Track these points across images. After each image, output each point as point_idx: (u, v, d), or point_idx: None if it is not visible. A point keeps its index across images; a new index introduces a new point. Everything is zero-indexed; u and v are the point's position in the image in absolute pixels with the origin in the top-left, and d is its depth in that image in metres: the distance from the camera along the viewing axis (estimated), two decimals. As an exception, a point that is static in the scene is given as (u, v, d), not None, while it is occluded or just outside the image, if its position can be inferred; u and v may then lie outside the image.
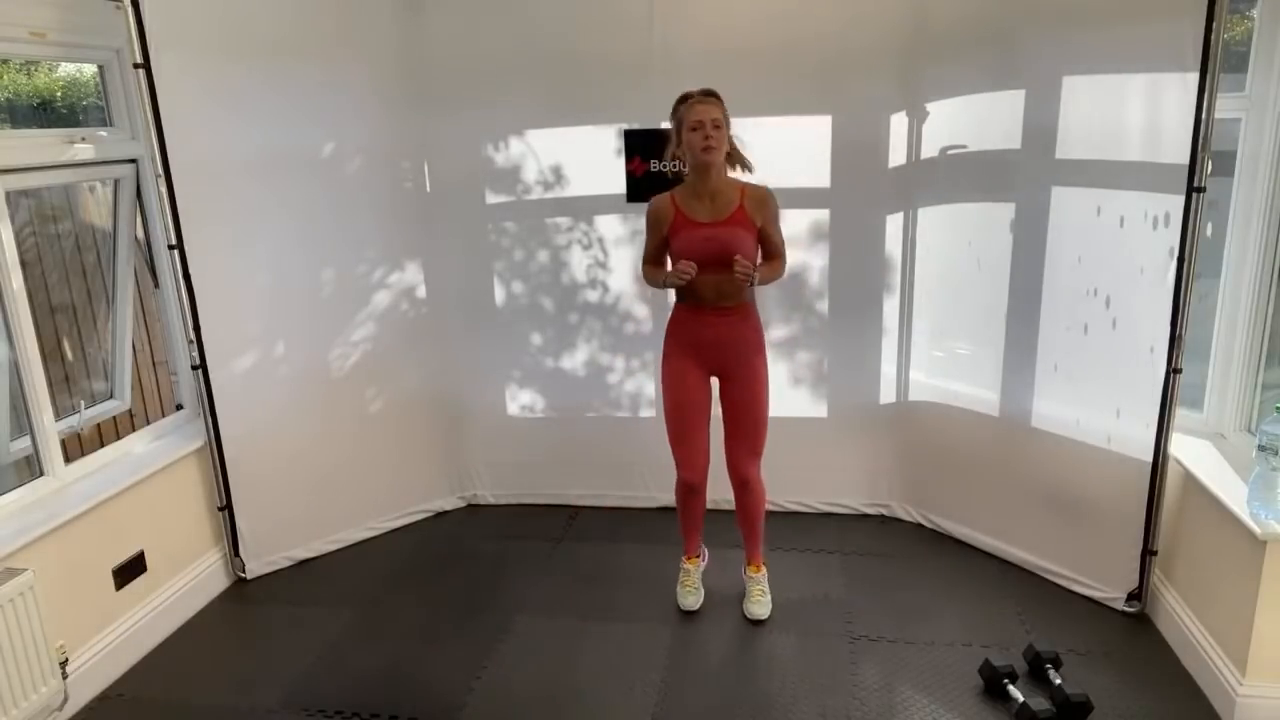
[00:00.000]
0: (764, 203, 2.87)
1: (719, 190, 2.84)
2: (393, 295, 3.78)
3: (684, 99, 2.83)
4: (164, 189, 3.04)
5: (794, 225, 3.63)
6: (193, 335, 3.19)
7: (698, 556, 3.27)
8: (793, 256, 3.65)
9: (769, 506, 3.92)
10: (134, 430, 3.35)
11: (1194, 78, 2.61)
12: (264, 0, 3.24)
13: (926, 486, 3.78)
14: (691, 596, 3.20)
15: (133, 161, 3.22)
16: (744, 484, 3.04)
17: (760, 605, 3.10)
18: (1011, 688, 2.66)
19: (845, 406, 3.83)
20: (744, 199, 2.85)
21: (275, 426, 3.47)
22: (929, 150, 3.46)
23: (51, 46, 2.91)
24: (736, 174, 2.90)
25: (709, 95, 2.80)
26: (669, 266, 2.92)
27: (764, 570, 3.18)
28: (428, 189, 3.79)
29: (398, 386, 3.85)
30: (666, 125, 3.55)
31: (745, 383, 2.97)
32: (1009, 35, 3.14)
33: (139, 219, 3.35)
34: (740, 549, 3.25)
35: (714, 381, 3.02)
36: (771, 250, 2.95)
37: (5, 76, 3.49)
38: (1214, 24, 2.55)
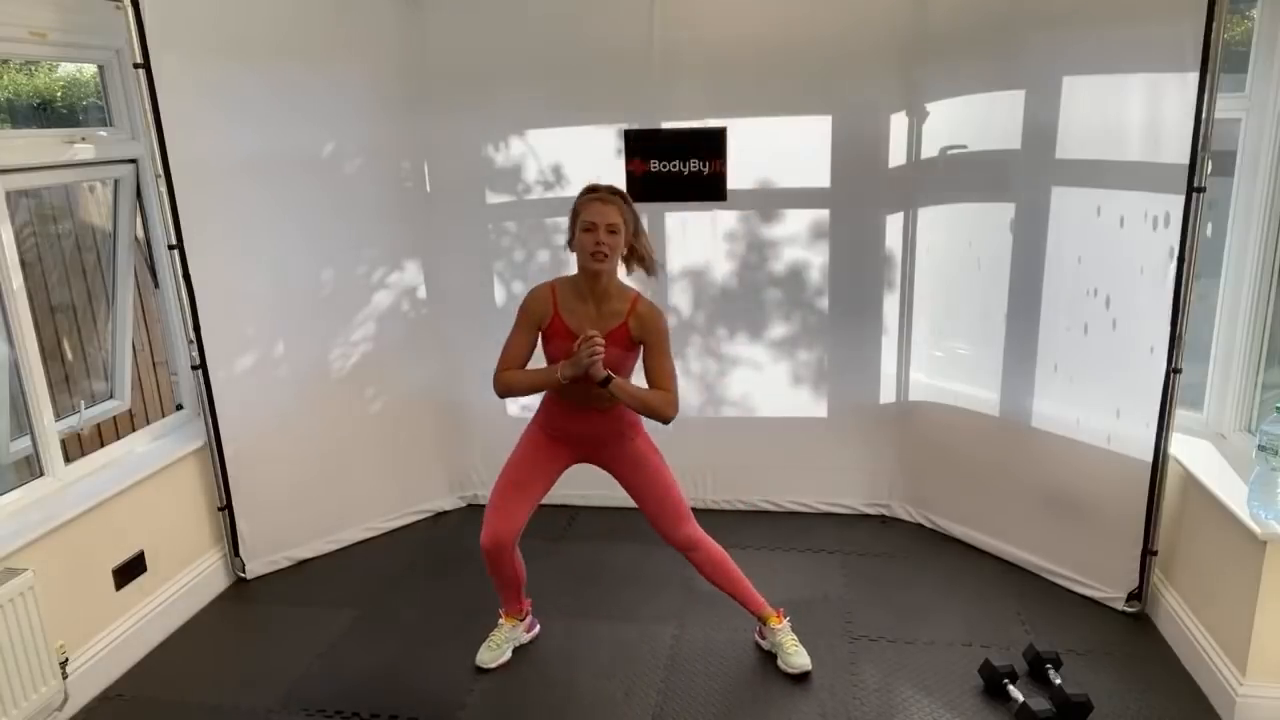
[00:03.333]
0: (651, 325, 2.58)
1: (606, 297, 2.58)
2: (393, 295, 3.78)
3: (586, 191, 2.59)
4: (164, 189, 3.03)
5: (794, 225, 3.66)
6: (193, 335, 3.19)
7: (516, 617, 2.97)
8: (793, 255, 3.68)
9: (768, 506, 3.96)
10: (134, 430, 3.35)
11: (1194, 78, 2.61)
12: (264, 0, 3.24)
13: (926, 486, 3.78)
14: (489, 653, 2.90)
15: (133, 161, 3.21)
16: (691, 547, 2.79)
17: (799, 654, 2.82)
18: (1011, 688, 2.66)
19: (845, 406, 3.83)
20: (630, 315, 2.58)
21: (275, 426, 3.47)
22: (929, 150, 3.46)
23: (51, 46, 2.91)
24: (631, 280, 2.67)
25: (613, 194, 2.55)
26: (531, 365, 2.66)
27: (784, 620, 2.89)
28: (428, 189, 3.79)
29: (398, 386, 3.85)
30: (667, 125, 3.59)
31: (630, 470, 2.75)
32: (1009, 35, 3.14)
33: (139, 219, 3.35)
34: (739, 548, 3.23)
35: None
36: (654, 378, 2.62)
37: (5, 76, 3.49)
38: (1214, 24, 2.55)
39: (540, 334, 2.64)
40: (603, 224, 2.50)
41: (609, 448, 2.76)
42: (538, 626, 3.09)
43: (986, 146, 3.31)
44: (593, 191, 2.57)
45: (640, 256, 2.65)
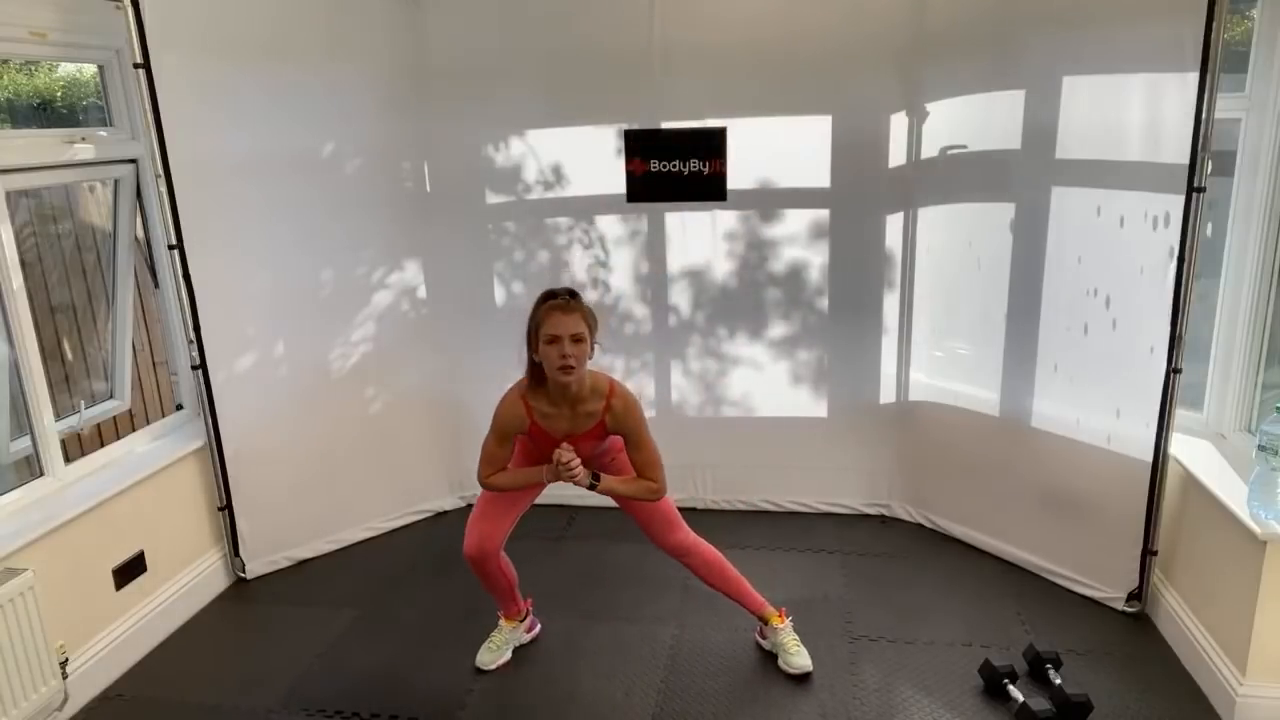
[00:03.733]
0: (625, 420, 2.57)
1: (579, 400, 2.56)
2: (393, 295, 3.78)
3: (544, 300, 2.50)
4: (164, 189, 3.03)
5: (794, 225, 3.66)
6: (193, 335, 3.19)
7: (515, 618, 2.97)
8: (793, 255, 3.68)
9: (768, 506, 3.96)
10: (134, 430, 3.35)
11: (1194, 78, 2.61)
12: (264, 0, 3.24)
13: (926, 486, 3.78)
14: (488, 654, 2.91)
15: (133, 161, 3.21)
16: (686, 552, 2.80)
17: (800, 655, 2.82)
18: (1011, 688, 2.66)
19: (845, 406, 3.83)
20: (606, 413, 2.56)
21: (275, 426, 3.47)
22: (929, 150, 3.46)
23: (51, 46, 2.91)
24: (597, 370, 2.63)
25: (571, 301, 2.48)
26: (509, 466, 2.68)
27: (787, 620, 2.89)
28: (428, 189, 3.79)
29: (398, 386, 3.85)
30: (667, 125, 3.59)
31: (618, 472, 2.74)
32: (1009, 35, 3.14)
33: (139, 219, 3.35)
34: (739, 548, 3.23)
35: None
36: (638, 469, 2.63)
37: (5, 76, 3.49)
38: (1214, 24, 2.55)
39: (518, 438, 2.66)
40: (567, 335, 2.43)
41: (595, 463, 2.74)
42: (539, 626, 3.08)
43: (986, 146, 3.31)
44: (551, 298, 2.49)
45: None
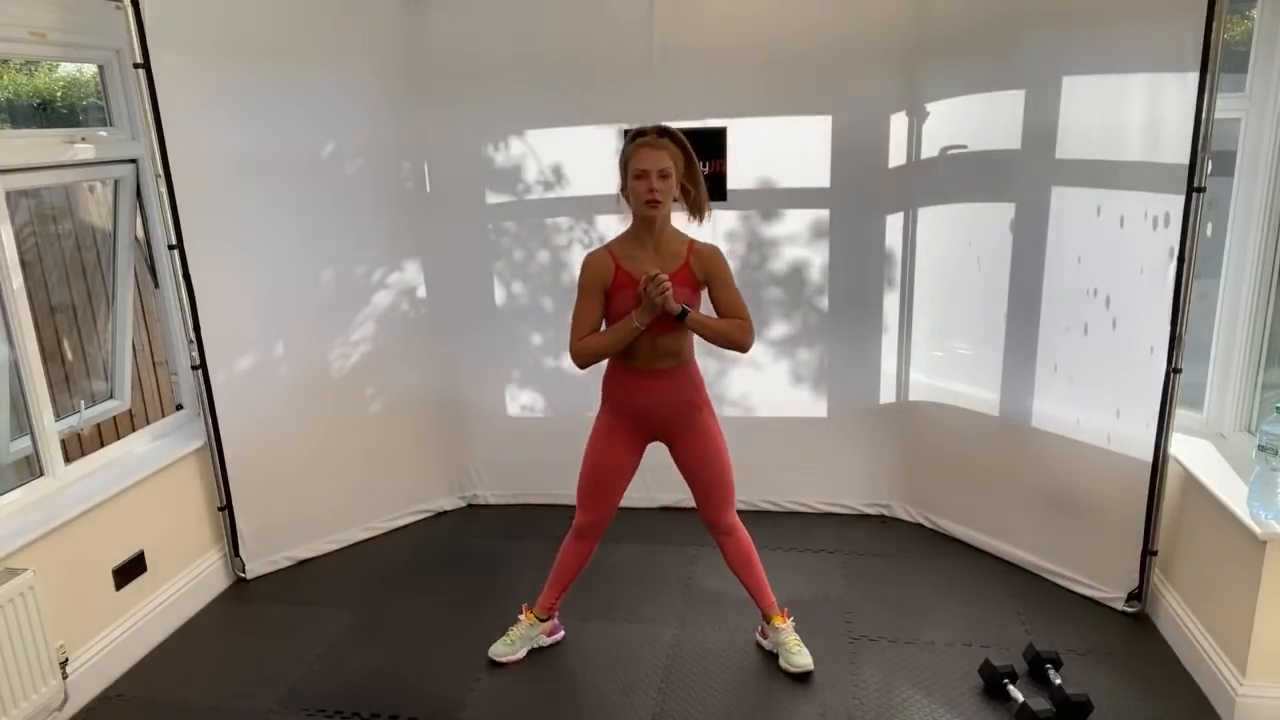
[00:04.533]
0: (712, 260, 2.60)
1: (663, 241, 2.59)
2: (393, 295, 3.78)
3: (634, 137, 2.54)
4: (164, 189, 3.03)
5: (794, 225, 3.66)
6: (193, 335, 3.19)
7: (539, 614, 2.95)
8: (793, 254, 3.68)
9: (768, 507, 3.96)
10: (134, 430, 3.35)
11: (1194, 78, 2.61)
12: (264, 0, 3.24)
13: (926, 486, 3.78)
14: (503, 647, 2.92)
15: (133, 161, 3.21)
16: (727, 531, 2.79)
17: (802, 654, 2.81)
18: (1011, 688, 2.66)
19: (845, 406, 3.83)
20: (690, 254, 2.59)
21: (275, 426, 3.47)
22: (929, 150, 3.46)
23: (51, 46, 2.91)
24: (688, 226, 2.66)
25: (661, 137, 2.52)
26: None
27: (789, 620, 2.89)
28: (428, 189, 3.79)
29: (398, 386, 3.85)
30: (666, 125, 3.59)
31: (696, 444, 2.72)
32: (1009, 35, 3.14)
33: (139, 219, 3.35)
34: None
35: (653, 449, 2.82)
36: (725, 310, 2.63)
37: (5, 76, 3.49)
38: (1214, 24, 2.55)
39: (605, 295, 2.60)
40: (654, 169, 2.48)
41: (680, 418, 2.71)
42: (561, 633, 3.06)
43: (986, 146, 3.31)
44: (641, 135, 2.53)
45: (691, 200, 2.60)
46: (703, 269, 2.60)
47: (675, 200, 2.58)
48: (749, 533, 2.84)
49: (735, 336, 2.62)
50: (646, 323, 2.52)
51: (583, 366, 2.66)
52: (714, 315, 2.65)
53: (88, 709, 2.78)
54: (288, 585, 3.49)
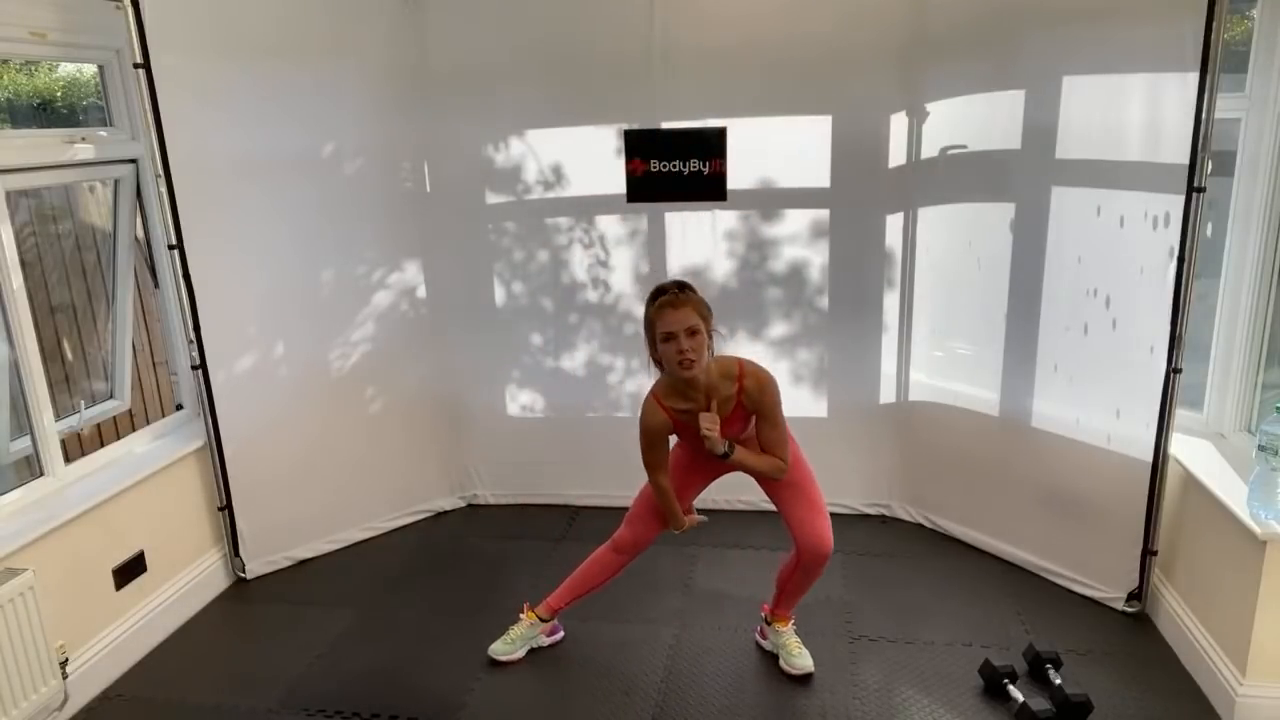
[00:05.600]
0: (763, 393, 2.55)
1: (712, 388, 2.54)
2: (393, 295, 3.78)
3: (654, 297, 2.50)
4: (164, 189, 3.03)
5: (794, 225, 3.66)
6: (193, 335, 3.19)
7: (541, 614, 2.95)
8: (793, 255, 3.68)
9: (769, 506, 3.92)
10: (134, 430, 3.35)
11: (1194, 78, 2.61)
12: (264, 1, 3.24)
13: (926, 486, 3.78)
14: (503, 646, 2.93)
15: (133, 161, 3.21)
16: (825, 557, 2.68)
17: (803, 656, 2.82)
18: (1011, 688, 2.66)
19: (845, 406, 3.83)
20: (741, 392, 2.55)
21: (275, 426, 3.47)
22: (929, 150, 3.46)
23: (51, 46, 2.91)
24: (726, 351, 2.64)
25: (680, 295, 2.46)
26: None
27: (790, 623, 2.89)
28: (428, 189, 3.79)
29: (398, 386, 3.84)
30: (667, 125, 3.59)
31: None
32: (1009, 35, 3.14)
33: (139, 219, 3.35)
34: (739, 548, 3.23)
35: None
36: (768, 446, 2.61)
37: (5, 76, 3.49)
38: (1214, 24, 2.55)
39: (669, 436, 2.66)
40: (681, 330, 2.43)
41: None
42: (560, 633, 3.06)
43: (986, 146, 3.31)
44: (661, 294, 2.48)
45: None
46: (752, 404, 2.58)
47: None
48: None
49: (769, 475, 2.66)
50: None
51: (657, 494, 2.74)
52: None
53: (88, 709, 2.78)
54: (288, 585, 3.49)
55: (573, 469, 4.05)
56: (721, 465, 2.72)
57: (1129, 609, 3.09)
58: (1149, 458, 2.92)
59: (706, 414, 2.52)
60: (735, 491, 3.95)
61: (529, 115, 3.68)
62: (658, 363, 2.56)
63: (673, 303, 2.45)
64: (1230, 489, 2.62)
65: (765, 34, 3.44)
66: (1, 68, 3.45)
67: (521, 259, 3.86)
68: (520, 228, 3.83)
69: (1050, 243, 3.17)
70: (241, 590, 3.47)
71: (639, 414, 2.63)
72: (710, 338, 2.50)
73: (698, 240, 3.71)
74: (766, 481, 2.75)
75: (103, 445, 3.19)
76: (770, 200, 3.64)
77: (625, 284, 3.82)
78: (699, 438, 2.55)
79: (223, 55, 3.16)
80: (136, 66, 2.92)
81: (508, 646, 2.93)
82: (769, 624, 2.90)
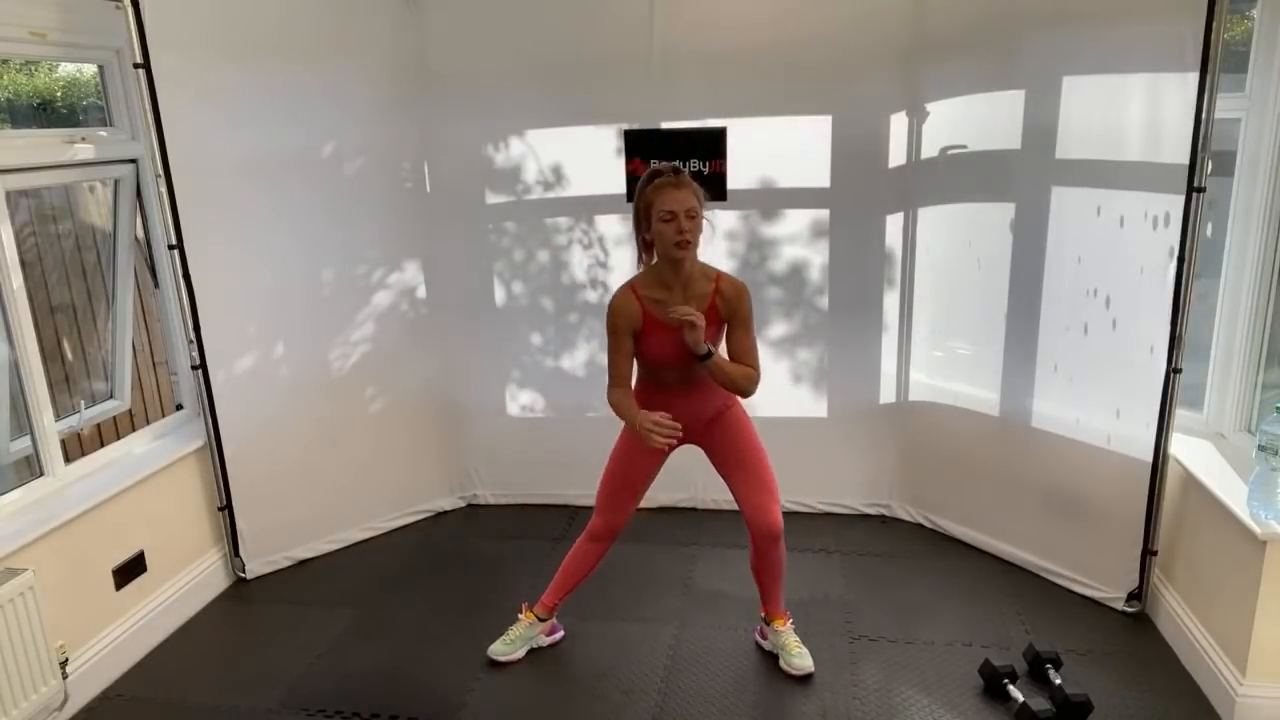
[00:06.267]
0: (736, 302, 2.56)
1: (691, 280, 2.55)
2: (393, 295, 3.78)
3: (651, 178, 2.50)
4: (164, 189, 3.03)
5: (794, 224, 3.66)
6: (193, 335, 3.19)
7: (539, 613, 2.95)
8: (793, 254, 3.68)
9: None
10: (134, 430, 3.35)
11: (1194, 78, 2.61)
12: (264, 0, 3.24)
13: (926, 486, 3.78)
14: (502, 646, 2.92)
15: (133, 161, 3.21)
16: (778, 537, 2.71)
17: (802, 656, 2.82)
18: (1011, 688, 2.66)
19: (845, 406, 3.83)
20: (717, 295, 2.56)
21: (275, 426, 3.47)
22: (929, 150, 3.46)
23: (51, 46, 2.91)
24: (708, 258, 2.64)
25: (679, 176, 2.48)
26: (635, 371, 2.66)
27: (789, 622, 2.90)
28: (428, 189, 3.79)
29: (398, 386, 3.84)
30: (667, 125, 3.59)
31: (729, 434, 2.72)
32: (1009, 35, 3.14)
33: (139, 219, 3.35)
34: (739, 548, 3.22)
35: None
36: (738, 354, 2.61)
37: (5, 76, 3.49)
38: (1214, 24, 2.55)
39: (635, 337, 2.60)
40: (682, 210, 2.44)
41: (708, 418, 2.72)
42: (560, 633, 3.06)
43: (986, 146, 3.31)
44: (659, 176, 2.49)
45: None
46: (727, 308, 2.58)
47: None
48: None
49: (743, 384, 2.61)
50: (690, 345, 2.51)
51: (616, 411, 2.67)
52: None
53: (88, 709, 2.78)
54: (288, 585, 3.49)
55: (573, 469, 4.03)
56: (684, 436, 2.67)
57: (1129, 609, 3.09)
58: (1149, 458, 2.92)
59: (684, 306, 2.46)
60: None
61: (529, 115, 3.68)
62: (647, 245, 2.56)
63: (675, 183, 2.47)
64: (1230, 489, 2.62)
65: (765, 34, 3.44)
66: (1, 68, 3.45)
67: (521, 259, 3.86)
68: (520, 228, 3.83)
69: (1050, 243, 3.17)
70: (241, 590, 3.47)
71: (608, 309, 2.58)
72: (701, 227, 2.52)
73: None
74: (722, 462, 2.76)
75: (103, 445, 3.19)
76: (770, 200, 3.64)
77: (625, 284, 3.81)
78: (666, 345, 2.52)
79: (223, 55, 3.16)
80: (136, 66, 2.92)
81: (507, 647, 2.93)
82: (768, 623, 2.90)
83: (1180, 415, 2.91)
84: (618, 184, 3.66)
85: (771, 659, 2.90)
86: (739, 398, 2.73)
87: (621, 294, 2.61)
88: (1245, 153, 2.82)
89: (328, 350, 3.62)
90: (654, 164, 2.55)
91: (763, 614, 2.94)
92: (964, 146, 3.38)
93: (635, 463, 2.76)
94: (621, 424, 2.70)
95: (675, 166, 2.54)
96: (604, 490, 2.82)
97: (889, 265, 3.64)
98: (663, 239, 2.49)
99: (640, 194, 2.53)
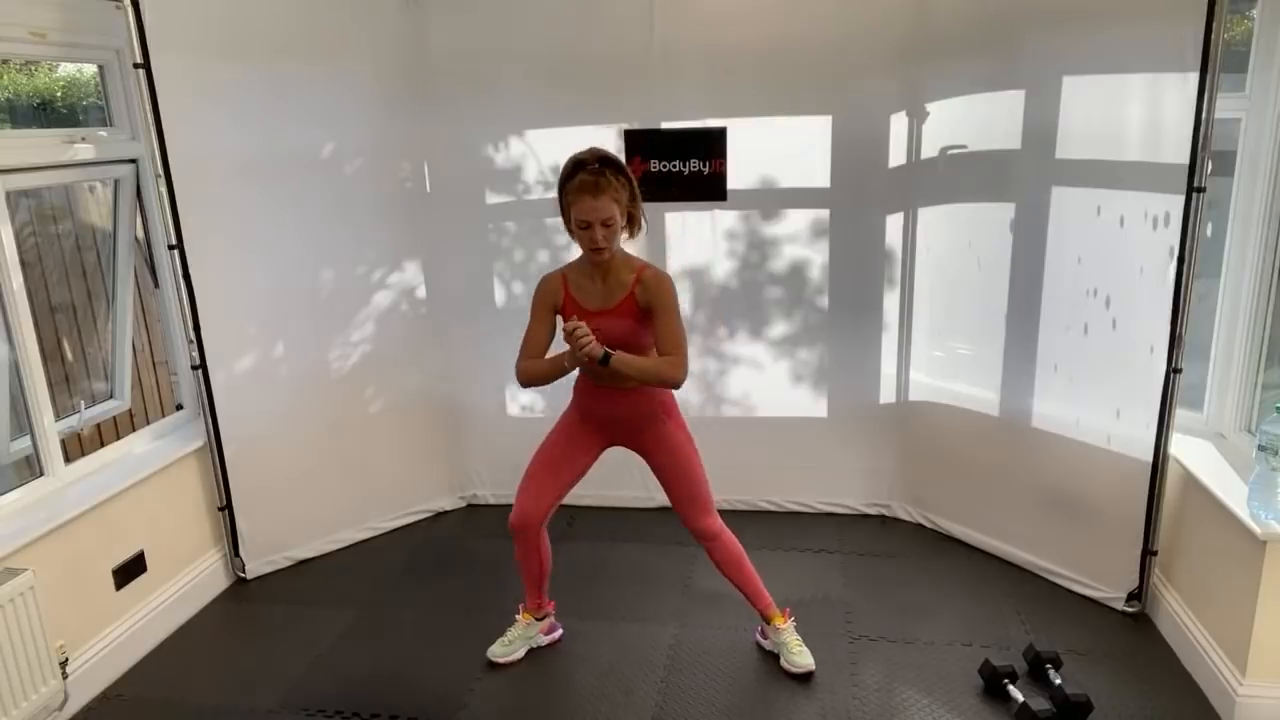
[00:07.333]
0: (656, 290, 2.51)
1: (611, 273, 2.56)
2: (393, 295, 3.78)
3: (572, 171, 2.44)
4: (164, 189, 3.03)
5: (795, 224, 3.66)
6: (193, 335, 3.19)
7: (533, 613, 2.96)
8: (794, 254, 3.68)
9: (768, 506, 3.96)
10: (134, 430, 3.35)
11: (1194, 78, 2.61)
12: (264, 0, 3.24)
13: (926, 486, 3.78)
14: (501, 648, 2.93)
15: (133, 161, 3.21)
16: (711, 537, 2.76)
17: (803, 655, 2.81)
18: (1011, 688, 2.66)
19: (845, 406, 3.83)
20: (638, 284, 2.53)
21: (275, 426, 3.47)
22: (929, 150, 3.46)
23: (51, 46, 2.91)
24: (636, 251, 2.66)
25: (600, 177, 2.40)
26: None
27: (789, 621, 2.88)
28: (428, 189, 3.79)
29: (398, 387, 3.85)
30: (667, 125, 3.59)
31: (659, 450, 2.71)
32: (1009, 35, 3.14)
33: (139, 219, 3.35)
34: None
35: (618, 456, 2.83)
36: (661, 344, 2.52)
37: (5, 76, 3.50)
38: (1214, 24, 2.55)
39: (558, 317, 2.63)
40: (597, 220, 2.43)
41: (642, 431, 2.72)
42: (559, 631, 3.06)
43: (986, 146, 3.31)
44: (581, 168, 2.42)
45: (632, 221, 2.55)
46: (647, 297, 2.53)
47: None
48: (745, 533, 2.84)
49: (663, 373, 2.52)
50: (574, 365, 2.53)
51: (523, 386, 2.70)
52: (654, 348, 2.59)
53: (88, 709, 2.78)
54: (288, 585, 3.49)
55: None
56: (601, 439, 2.76)
57: (1129, 609, 3.09)
58: (1149, 458, 2.92)
59: (570, 321, 2.43)
60: (735, 492, 3.97)
61: (529, 115, 3.68)
62: (571, 232, 2.55)
63: (593, 188, 2.40)
64: (1230, 489, 2.62)
65: (765, 34, 3.44)
66: (1, 68, 3.45)
67: (521, 259, 3.86)
68: (520, 228, 3.83)
69: (1050, 243, 3.17)
70: (241, 590, 3.47)
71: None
72: (630, 223, 2.52)
73: (697, 240, 3.71)
74: (656, 473, 2.76)
75: (103, 445, 3.19)
76: (770, 200, 3.64)
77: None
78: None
79: (223, 55, 3.16)
80: (136, 66, 2.92)
81: (505, 648, 2.93)
82: (767, 623, 2.90)
83: (1180, 415, 2.91)
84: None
85: (772, 659, 2.90)
86: (672, 391, 2.68)
87: (551, 274, 2.67)
88: (1245, 153, 2.82)
89: (328, 350, 3.62)
90: (578, 152, 2.48)
91: (759, 614, 2.94)
92: (964, 146, 3.38)
93: (566, 453, 2.78)
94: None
95: (601, 156, 2.45)
96: (528, 476, 2.79)
97: (889, 265, 3.64)
98: (580, 242, 2.53)
99: (561, 188, 2.49)
